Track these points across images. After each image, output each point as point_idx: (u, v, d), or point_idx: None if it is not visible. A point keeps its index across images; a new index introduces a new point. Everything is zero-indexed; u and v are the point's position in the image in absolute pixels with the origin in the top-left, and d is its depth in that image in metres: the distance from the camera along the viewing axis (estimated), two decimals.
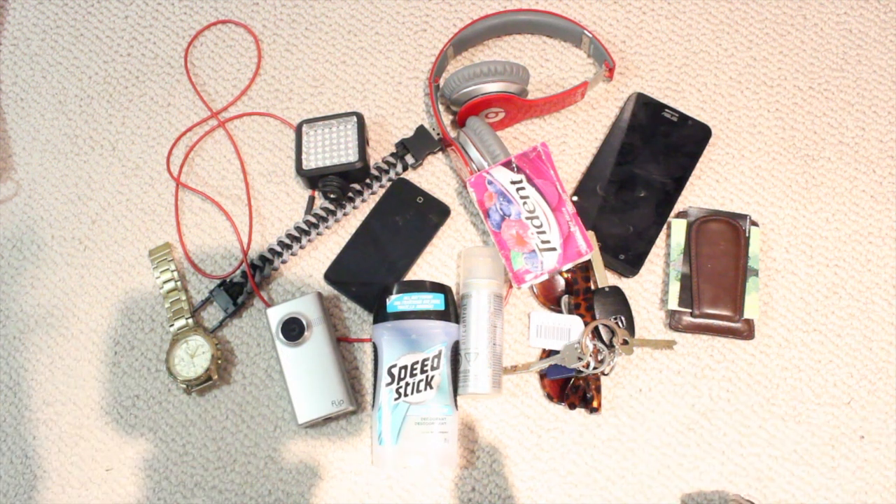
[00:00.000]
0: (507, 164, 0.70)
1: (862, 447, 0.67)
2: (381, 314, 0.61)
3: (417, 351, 0.59)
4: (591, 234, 0.71)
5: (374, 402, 0.61)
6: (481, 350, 0.65)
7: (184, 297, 0.72)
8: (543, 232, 0.68)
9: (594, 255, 0.70)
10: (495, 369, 0.66)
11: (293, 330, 0.67)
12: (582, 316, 0.69)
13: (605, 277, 0.70)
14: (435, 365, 0.59)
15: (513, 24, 0.80)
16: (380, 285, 0.71)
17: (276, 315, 0.68)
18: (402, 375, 0.59)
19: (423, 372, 0.59)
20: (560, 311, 0.70)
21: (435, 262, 0.73)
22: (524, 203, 0.69)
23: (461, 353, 0.66)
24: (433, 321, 0.60)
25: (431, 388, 0.59)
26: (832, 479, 0.67)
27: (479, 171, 0.71)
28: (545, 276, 0.68)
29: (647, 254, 0.72)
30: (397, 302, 0.60)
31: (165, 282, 0.72)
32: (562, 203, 0.69)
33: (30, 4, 0.86)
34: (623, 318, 0.69)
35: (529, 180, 0.69)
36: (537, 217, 0.69)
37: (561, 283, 0.71)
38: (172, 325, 0.71)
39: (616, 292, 0.69)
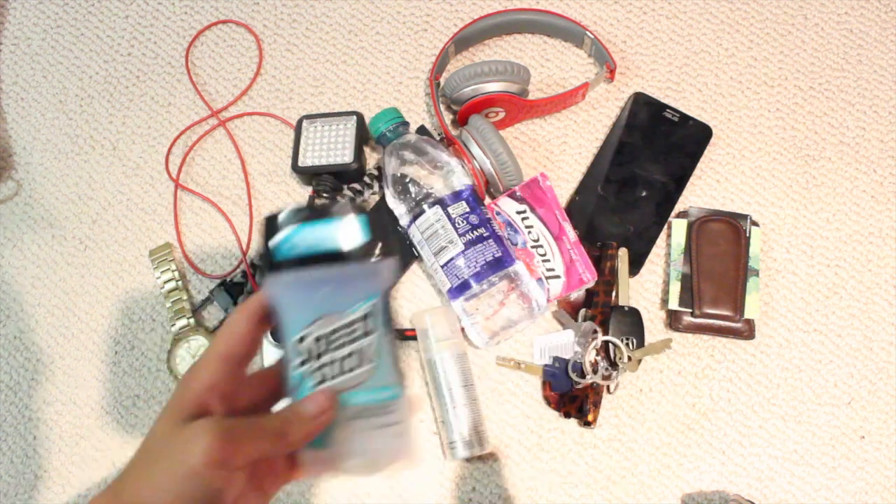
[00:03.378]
0: (512, 195, 0.71)
1: (862, 447, 0.67)
2: (270, 258, 0.38)
3: (335, 312, 0.38)
4: (622, 252, 0.70)
5: (286, 388, 0.39)
6: (461, 414, 0.65)
7: (185, 297, 0.72)
8: (548, 260, 0.69)
9: (621, 272, 0.70)
10: (479, 428, 0.66)
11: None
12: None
13: (627, 297, 0.70)
14: (365, 329, 0.38)
15: (514, 24, 0.80)
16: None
17: None
18: (320, 350, 0.38)
19: (350, 342, 0.38)
20: (575, 319, 0.70)
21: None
22: (529, 232, 0.70)
23: (439, 419, 0.66)
24: (352, 263, 0.38)
25: (364, 364, 0.38)
26: (832, 479, 0.67)
27: (480, 169, 0.71)
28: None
29: (647, 253, 0.72)
30: (292, 240, 0.37)
31: (166, 281, 0.72)
32: (563, 232, 0.70)
33: (30, 4, 0.86)
34: (634, 341, 0.69)
35: (532, 210, 0.71)
36: (541, 246, 0.70)
37: (582, 293, 0.71)
38: (174, 325, 0.71)
39: (634, 314, 0.69)
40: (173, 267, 0.73)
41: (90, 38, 0.84)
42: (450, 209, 0.66)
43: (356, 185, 0.74)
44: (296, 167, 0.74)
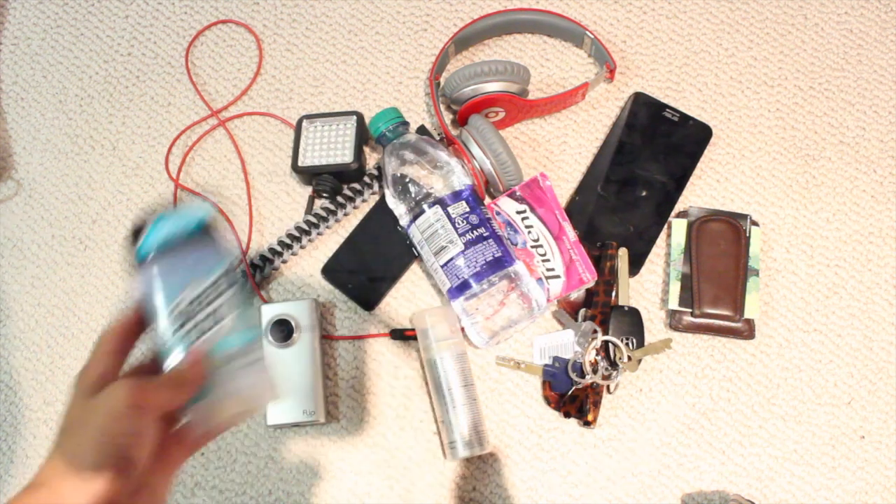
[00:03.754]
0: (512, 195, 0.71)
1: (862, 447, 0.67)
2: (137, 257, 0.47)
3: (196, 279, 0.47)
4: (622, 252, 0.70)
5: (162, 359, 0.46)
6: (461, 414, 0.65)
7: None
8: (548, 260, 0.69)
9: (622, 273, 0.70)
10: (479, 428, 0.66)
11: (282, 331, 0.67)
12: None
13: (627, 297, 0.70)
14: (225, 285, 0.47)
15: (514, 24, 0.80)
16: (378, 282, 0.72)
17: (269, 313, 0.68)
18: (191, 313, 0.46)
19: (216, 298, 0.47)
20: (574, 319, 0.70)
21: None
22: (529, 232, 0.70)
23: (439, 419, 0.67)
24: (199, 240, 0.47)
25: (229, 313, 0.47)
26: (832, 479, 0.67)
27: (480, 169, 0.71)
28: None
29: (647, 253, 0.72)
30: (149, 241, 0.47)
31: None
32: (563, 231, 0.70)
33: (30, 4, 0.86)
34: (634, 341, 0.69)
35: (532, 210, 0.71)
36: (541, 246, 0.70)
37: (582, 293, 0.71)
38: None
39: (633, 314, 0.69)
40: None
41: (90, 38, 0.84)
42: (450, 209, 0.66)
43: (356, 185, 0.74)
44: (296, 167, 0.74)
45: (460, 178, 0.67)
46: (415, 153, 0.68)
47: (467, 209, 0.66)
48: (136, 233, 0.47)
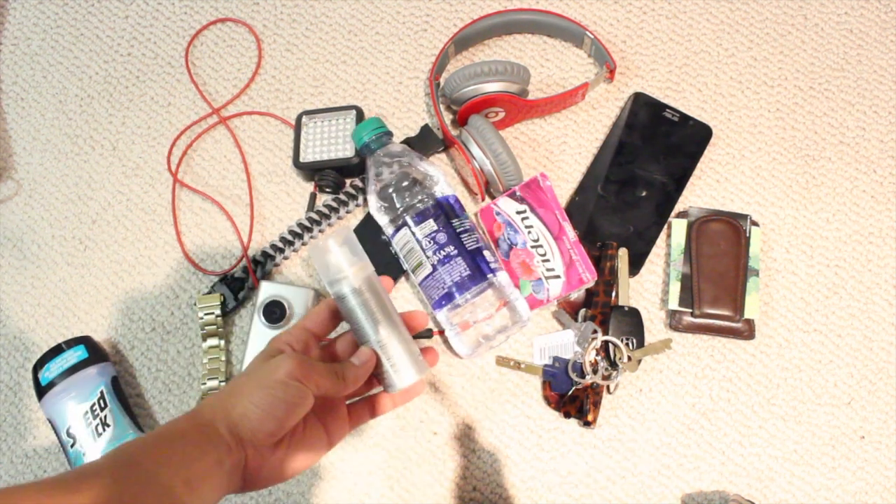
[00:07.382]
0: (512, 195, 0.71)
1: (862, 447, 0.67)
2: (39, 390, 0.66)
3: (83, 402, 0.64)
4: (622, 252, 0.70)
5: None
6: (386, 341, 0.52)
7: (223, 358, 0.70)
8: (548, 260, 0.69)
9: (622, 273, 0.70)
10: (411, 351, 0.53)
11: (274, 313, 0.68)
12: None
13: (627, 297, 0.70)
14: (103, 405, 0.64)
15: (514, 24, 0.80)
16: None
17: (266, 292, 0.69)
18: (80, 430, 0.64)
19: (95, 417, 0.64)
20: (575, 319, 0.70)
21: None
22: (529, 232, 0.70)
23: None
24: (84, 370, 0.65)
25: (109, 426, 0.64)
26: (832, 479, 0.67)
27: (480, 169, 0.71)
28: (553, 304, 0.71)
29: (647, 254, 0.72)
30: (46, 373, 0.65)
31: (209, 336, 0.70)
32: (563, 232, 0.70)
33: (30, 4, 0.86)
34: (634, 341, 0.69)
35: (532, 210, 0.71)
36: (541, 246, 0.70)
37: (582, 293, 0.71)
38: (204, 384, 0.69)
39: (634, 314, 0.69)
40: (220, 323, 0.70)
41: (90, 38, 0.84)
42: (416, 230, 0.66)
43: (358, 183, 0.74)
44: (297, 163, 0.74)
45: (442, 189, 0.67)
46: (393, 167, 0.68)
47: (435, 228, 0.65)
48: (35, 374, 0.66)
